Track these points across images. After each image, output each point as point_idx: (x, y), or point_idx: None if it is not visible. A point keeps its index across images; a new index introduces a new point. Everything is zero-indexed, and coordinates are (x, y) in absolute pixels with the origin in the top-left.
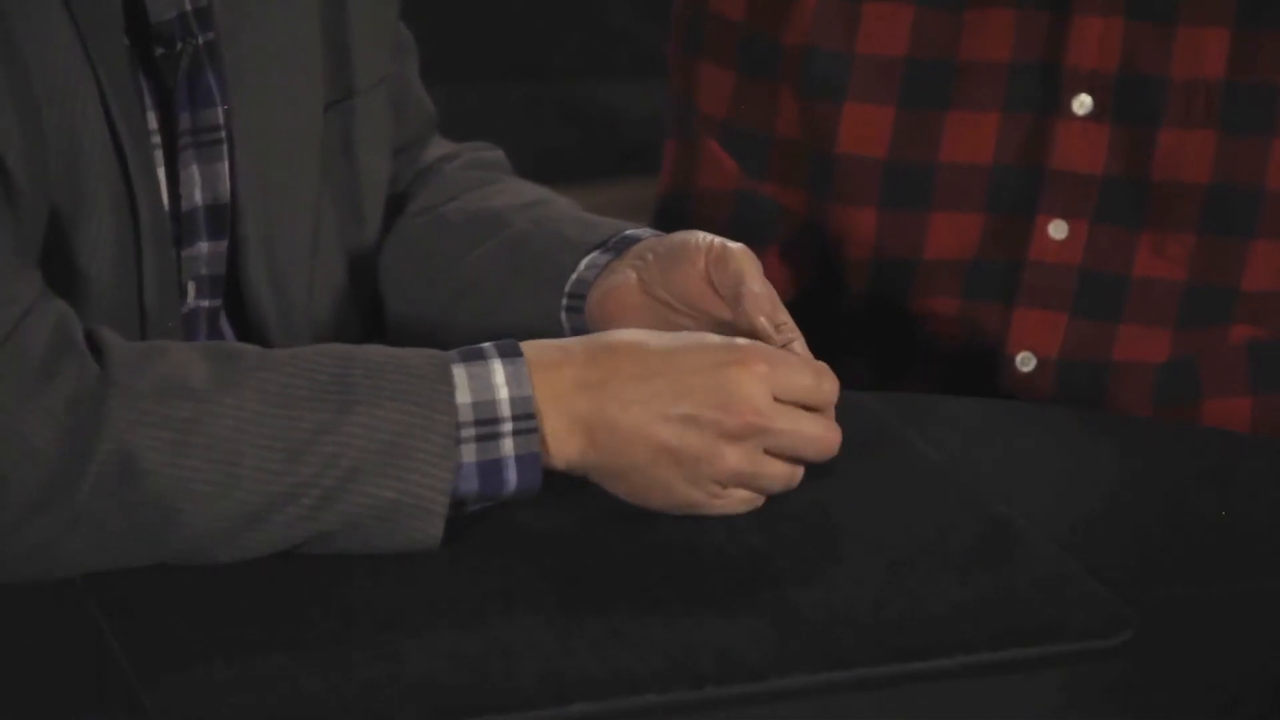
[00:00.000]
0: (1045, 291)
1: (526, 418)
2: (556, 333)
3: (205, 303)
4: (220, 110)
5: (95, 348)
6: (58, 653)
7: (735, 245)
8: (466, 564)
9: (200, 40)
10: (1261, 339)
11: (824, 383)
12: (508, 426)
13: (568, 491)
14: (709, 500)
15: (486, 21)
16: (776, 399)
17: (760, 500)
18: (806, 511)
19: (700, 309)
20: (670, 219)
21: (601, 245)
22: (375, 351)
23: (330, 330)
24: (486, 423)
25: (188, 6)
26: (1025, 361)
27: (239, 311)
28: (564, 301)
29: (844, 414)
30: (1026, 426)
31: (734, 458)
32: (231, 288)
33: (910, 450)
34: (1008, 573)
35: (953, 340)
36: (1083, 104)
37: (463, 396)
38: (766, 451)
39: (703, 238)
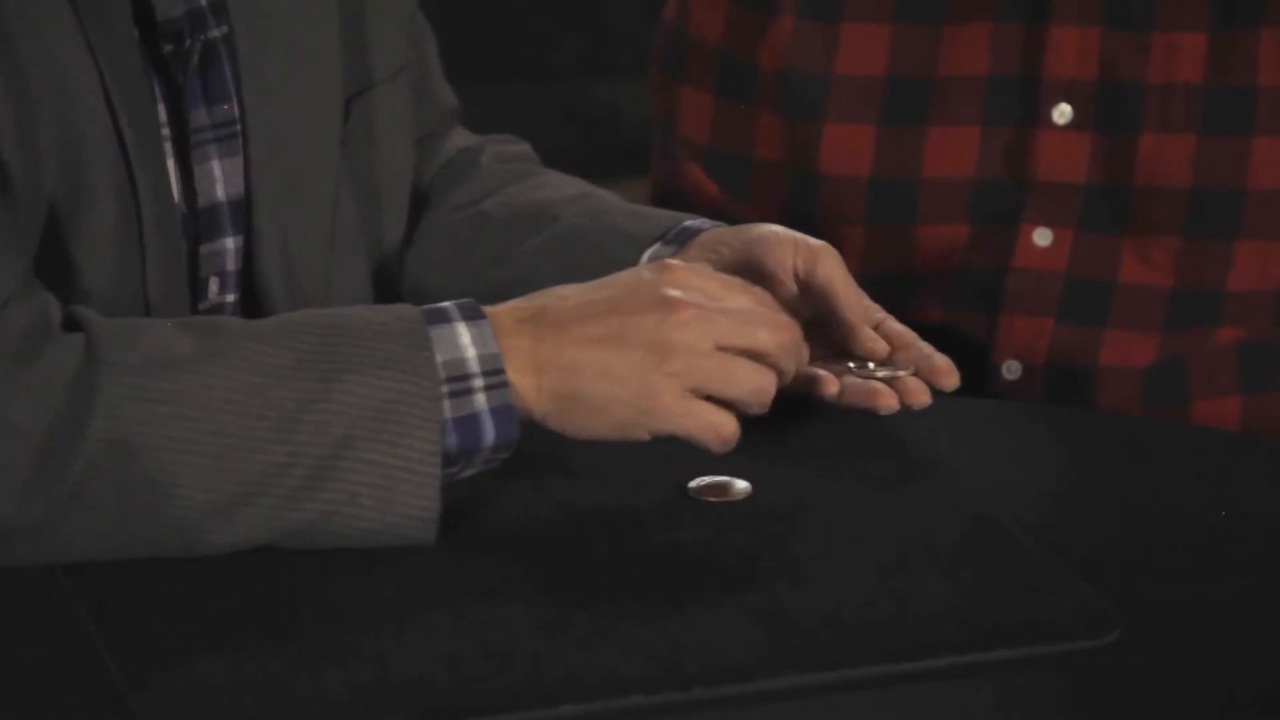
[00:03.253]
0: (1030, 299)
1: (496, 372)
2: None
3: (230, 298)
4: (235, 104)
5: (76, 326)
6: (44, 655)
7: (820, 244)
8: (454, 565)
9: (216, 34)
10: (1248, 339)
11: (755, 291)
12: (479, 382)
13: (555, 492)
14: (668, 397)
15: (486, 21)
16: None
17: (733, 426)
18: (794, 512)
19: (783, 303)
20: None
21: (661, 237)
22: (354, 317)
23: None
24: (458, 379)
25: (201, 2)
26: (1011, 369)
27: (252, 306)
28: None
29: (833, 416)
30: (1014, 426)
31: (683, 342)
32: (247, 282)
33: (898, 451)
34: (995, 573)
35: (940, 349)
36: (1063, 113)
37: (435, 357)
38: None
39: (785, 234)
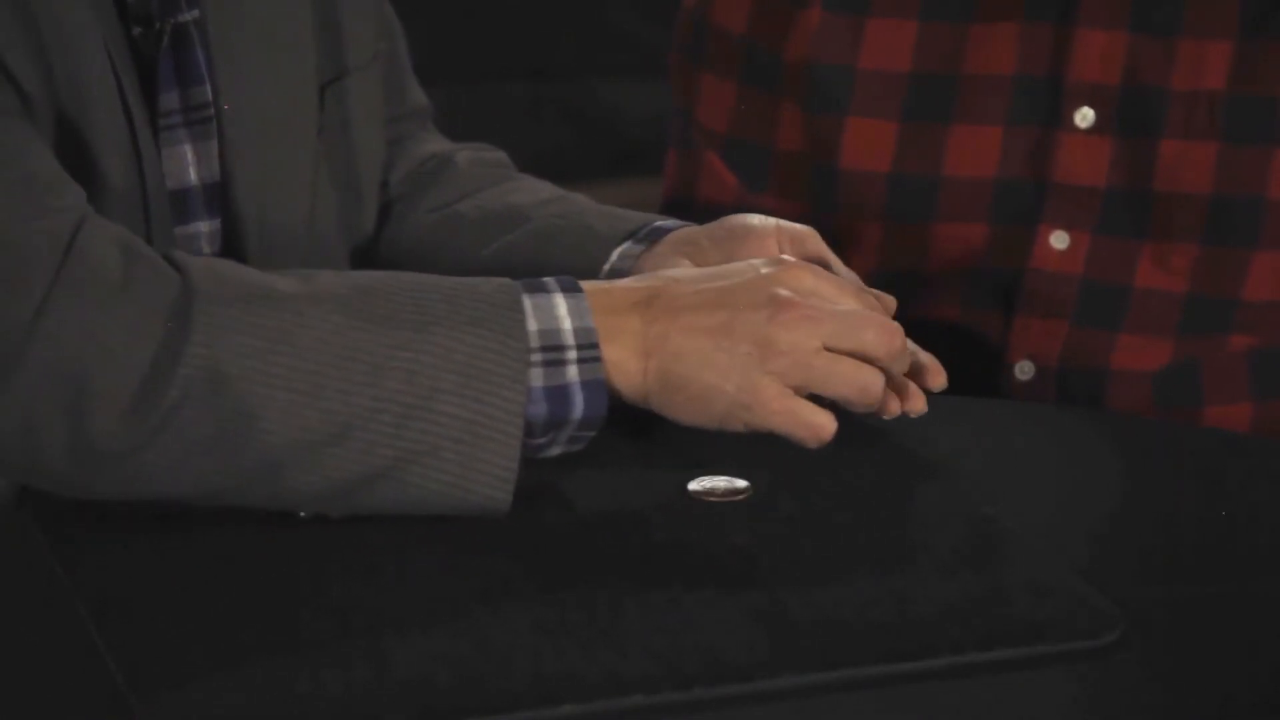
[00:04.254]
0: (1046, 300)
1: (590, 346)
2: None
3: None
4: (209, 88)
5: (171, 261)
6: (45, 655)
7: (802, 227)
8: (456, 565)
9: (187, 18)
10: (1262, 347)
11: (868, 296)
12: (572, 354)
13: (555, 492)
14: (767, 393)
15: (486, 21)
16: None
17: (831, 424)
18: (794, 512)
19: None
20: None
21: (632, 236)
22: (447, 279)
23: None
24: (552, 348)
25: None
26: (1024, 370)
27: None
28: None
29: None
30: (1017, 426)
31: (788, 341)
32: None
33: (899, 450)
34: (996, 573)
35: (953, 348)
36: (1085, 117)
37: (530, 324)
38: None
39: (765, 221)
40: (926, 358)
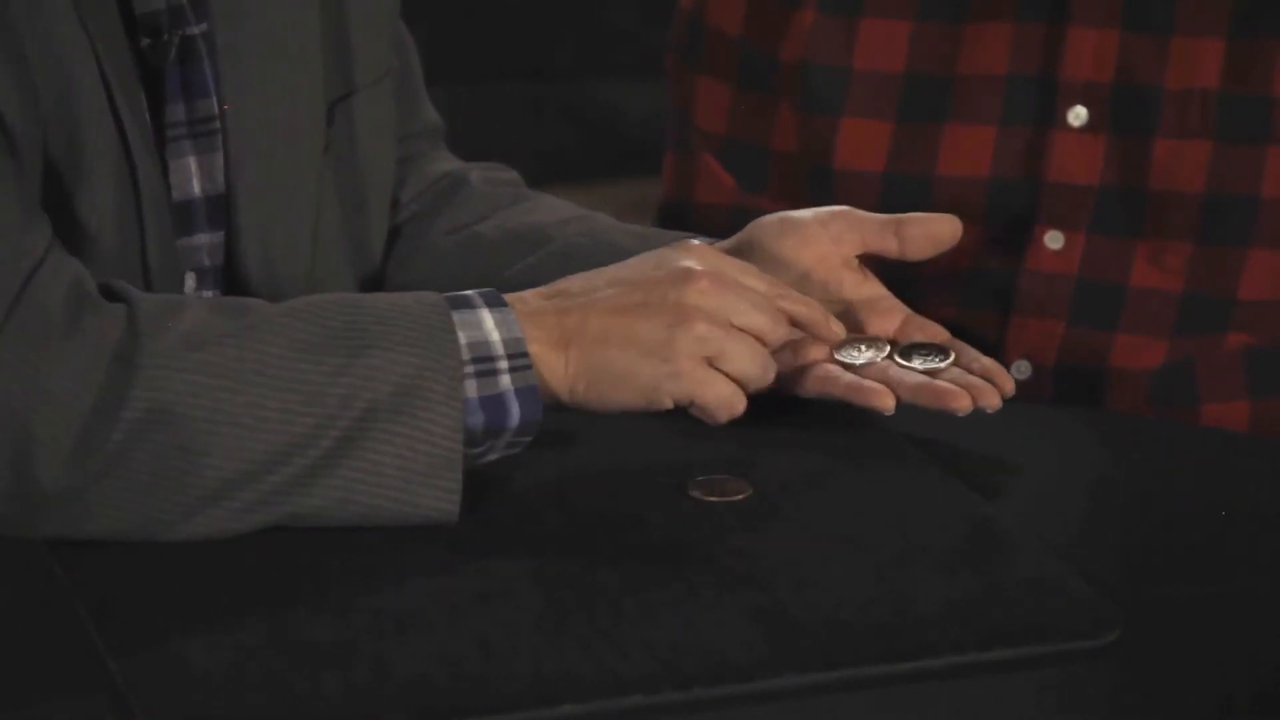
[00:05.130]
0: (1042, 300)
1: (520, 355)
2: None
3: (207, 293)
4: (215, 101)
5: (115, 298)
6: (44, 655)
7: (840, 208)
8: (455, 565)
9: (195, 31)
10: (1258, 345)
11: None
12: (504, 364)
13: (555, 492)
14: (692, 361)
15: (486, 21)
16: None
17: (741, 400)
18: (794, 512)
19: (824, 288)
20: (671, 229)
21: None
22: (380, 299)
23: None
24: (483, 360)
25: None
26: (1021, 370)
27: None
28: None
29: (833, 417)
30: (1016, 426)
31: (703, 309)
32: (227, 280)
33: (898, 450)
34: (995, 573)
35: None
36: (1078, 116)
37: (460, 338)
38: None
39: (802, 212)
40: (989, 363)
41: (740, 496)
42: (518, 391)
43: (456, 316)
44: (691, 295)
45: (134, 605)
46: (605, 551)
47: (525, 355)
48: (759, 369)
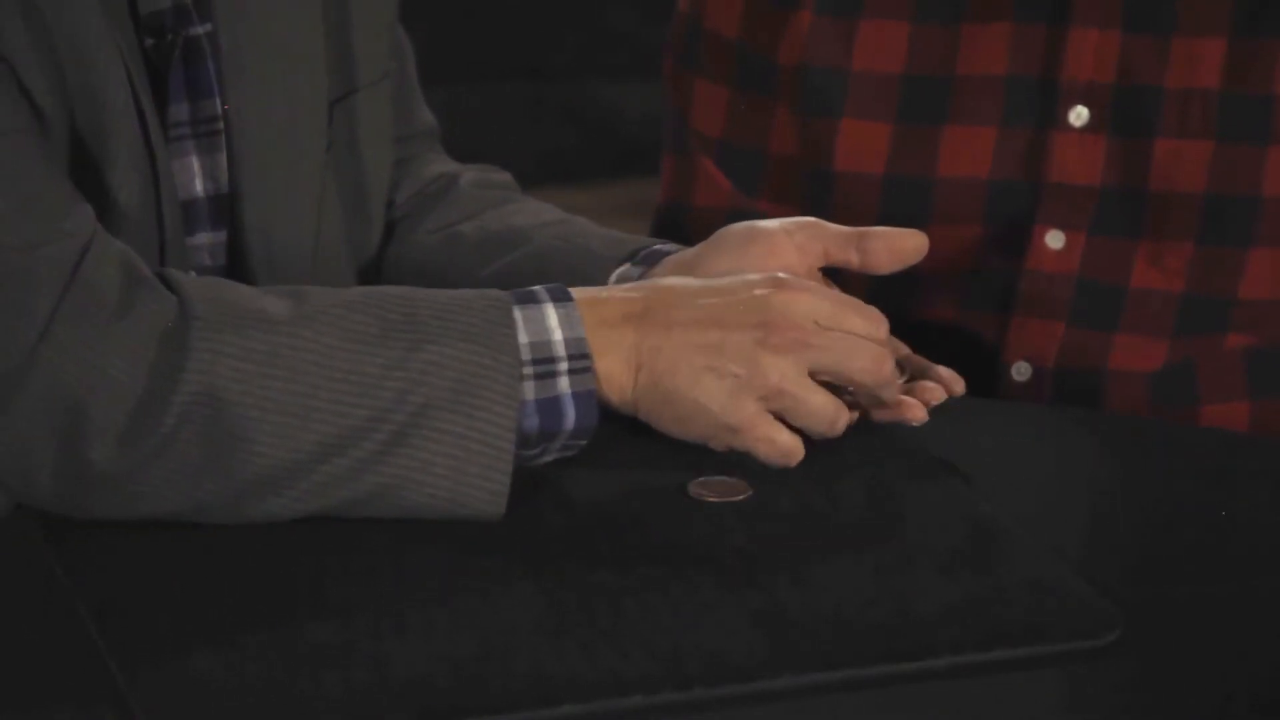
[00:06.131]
0: (1042, 301)
1: (581, 357)
2: None
3: None
4: (218, 101)
5: (167, 282)
6: (45, 655)
7: (808, 219)
8: (456, 565)
9: (200, 31)
10: (1258, 346)
11: (870, 317)
12: (564, 365)
13: (555, 492)
14: (753, 419)
15: (486, 22)
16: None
17: (800, 451)
18: (794, 512)
19: None
20: (668, 232)
21: (630, 258)
22: (439, 293)
23: None
24: (544, 361)
25: None
26: (1021, 371)
27: None
28: None
29: None
30: (1015, 426)
31: (777, 369)
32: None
33: (898, 450)
34: (996, 573)
35: (950, 350)
36: (1079, 116)
37: (521, 337)
38: (812, 375)
39: (768, 222)
40: (943, 370)
41: (740, 496)
42: (575, 396)
43: (520, 312)
44: (768, 352)
45: (135, 606)
46: (605, 551)
47: (587, 357)
48: (825, 424)
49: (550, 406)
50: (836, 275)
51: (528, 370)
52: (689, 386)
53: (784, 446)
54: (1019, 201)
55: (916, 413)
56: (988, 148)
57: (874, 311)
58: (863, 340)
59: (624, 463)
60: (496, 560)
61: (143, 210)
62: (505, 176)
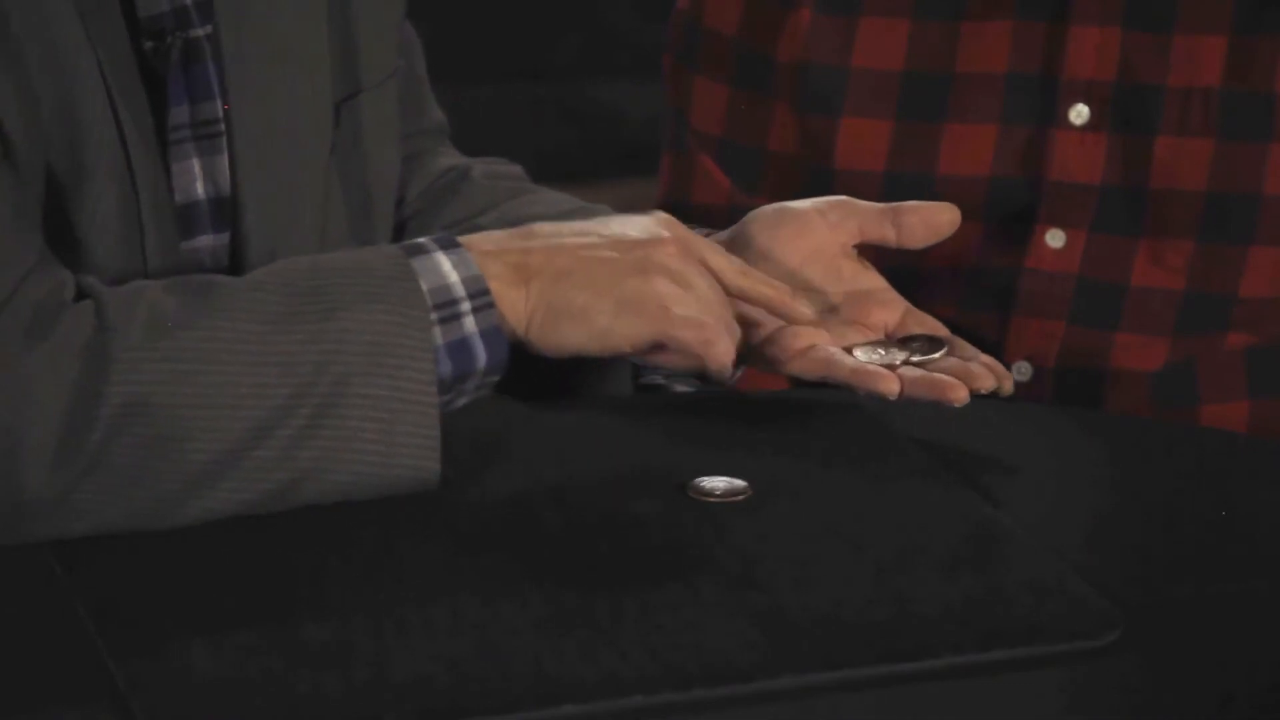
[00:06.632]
0: (1043, 300)
1: (481, 294)
2: None
3: None
4: (219, 103)
5: (84, 295)
6: (45, 655)
7: (836, 198)
8: (454, 565)
9: (200, 33)
10: (1258, 345)
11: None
12: (466, 305)
13: (555, 492)
14: (661, 296)
15: (486, 21)
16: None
17: (732, 353)
18: (794, 512)
19: (822, 277)
20: None
21: None
22: (340, 257)
23: None
24: (446, 304)
25: (186, 1)
26: (1022, 371)
27: None
28: None
29: (834, 414)
30: (1016, 426)
31: (672, 263)
32: None
33: (898, 450)
34: (995, 573)
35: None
36: (1080, 114)
37: (422, 285)
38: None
39: (799, 202)
40: (993, 362)
41: (740, 497)
42: (483, 334)
43: (415, 264)
44: (658, 255)
45: (135, 606)
46: (605, 551)
47: (487, 293)
48: (715, 315)
49: (460, 348)
50: None
51: (432, 316)
52: (583, 284)
53: (706, 334)
54: (1019, 200)
55: (959, 393)
56: (988, 146)
57: (738, 260)
58: (709, 294)
59: (624, 463)
60: (496, 560)
61: (123, 220)
62: (516, 168)
